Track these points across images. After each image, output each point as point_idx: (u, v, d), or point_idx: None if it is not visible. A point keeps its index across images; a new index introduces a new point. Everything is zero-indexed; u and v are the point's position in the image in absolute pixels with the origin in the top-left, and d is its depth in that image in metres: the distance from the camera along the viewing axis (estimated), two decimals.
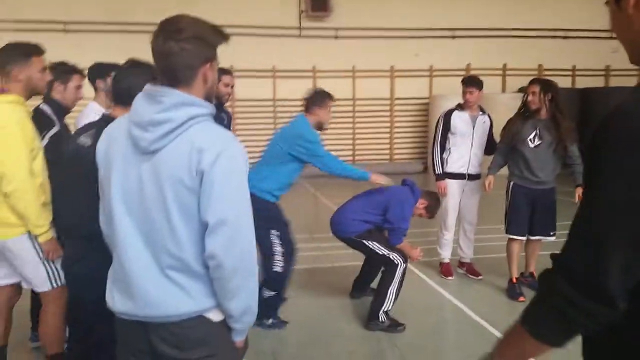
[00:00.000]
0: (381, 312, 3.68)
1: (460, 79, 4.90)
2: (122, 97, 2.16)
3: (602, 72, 13.99)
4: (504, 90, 13.34)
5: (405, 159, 13.25)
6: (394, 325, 3.68)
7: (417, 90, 13.21)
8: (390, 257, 3.72)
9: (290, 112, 12.68)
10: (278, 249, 3.63)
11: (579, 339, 1.08)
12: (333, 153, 13.59)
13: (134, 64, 2.24)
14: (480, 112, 4.77)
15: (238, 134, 12.08)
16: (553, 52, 13.51)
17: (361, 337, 3.64)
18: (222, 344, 1.58)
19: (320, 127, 3.86)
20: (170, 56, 1.46)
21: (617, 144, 0.92)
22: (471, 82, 4.66)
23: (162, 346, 1.53)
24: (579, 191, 4.24)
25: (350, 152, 13.23)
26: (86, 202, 1.92)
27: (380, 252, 3.75)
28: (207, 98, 1.56)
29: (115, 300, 1.59)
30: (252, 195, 3.50)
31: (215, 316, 1.55)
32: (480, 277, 4.77)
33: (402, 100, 13.26)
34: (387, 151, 13.40)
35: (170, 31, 1.46)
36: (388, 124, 13.36)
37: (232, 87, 4.06)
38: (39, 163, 2.64)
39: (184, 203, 1.45)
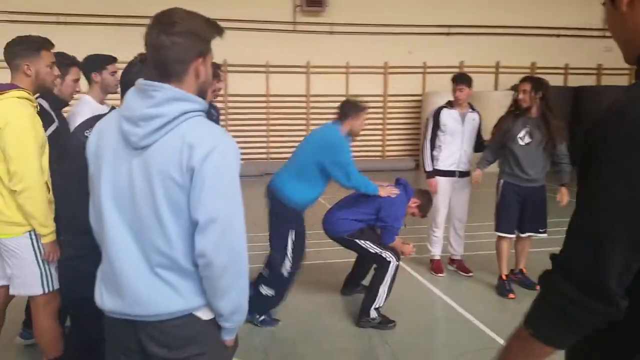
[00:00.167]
0: (372, 309, 3.68)
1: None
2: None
3: (595, 71, 14.06)
4: (496, 87, 13.37)
5: (398, 156, 13.27)
6: (385, 322, 3.69)
7: (411, 87, 13.21)
8: (383, 255, 3.72)
9: (283, 108, 12.73)
10: (289, 252, 3.64)
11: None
12: None
13: (144, 59, 2.21)
14: (470, 110, 4.79)
15: (231, 130, 12.03)
16: (546, 50, 13.56)
17: (352, 334, 3.64)
18: (212, 342, 1.57)
19: (351, 136, 3.89)
20: (162, 50, 1.45)
21: (615, 144, 0.92)
22: (461, 79, 4.68)
23: (151, 345, 1.52)
24: (563, 190, 4.27)
25: None
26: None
27: (372, 251, 3.75)
28: (201, 93, 1.55)
29: (104, 299, 1.57)
30: (281, 201, 3.51)
31: (205, 315, 1.54)
32: (470, 274, 4.79)
33: (395, 97, 13.26)
34: (380, 148, 13.41)
35: (163, 24, 1.45)
36: (381, 121, 13.35)
37: (222, 81, 4.03)
38: (46, 160, 2.58)
39: (174, 200, 1.43)
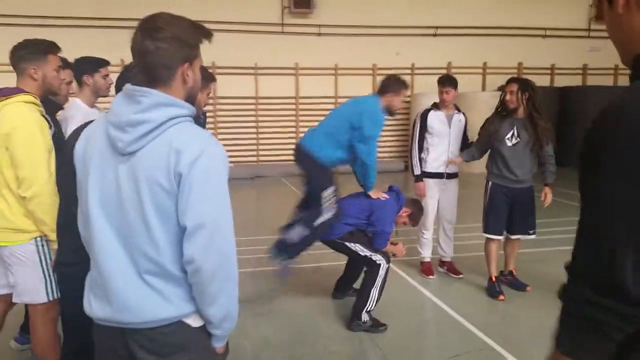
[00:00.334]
0: (364, 312, 3.68)
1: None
2: None
3: (580, 71, 14.21)
4: (484, 88, 13.47)
5: (387, 157, 13.30)
6: (376, 326, 3.69)
7: None
8: (373, 257, 3.72)
9: (272, 110, 12.70)
10: (325, 207, 3.67)
11: None
12: None
13: None
14: (456, 111, 4.82)
15: (220, 132, 12.00)
16: (532, 50, 13.69)
17: (344, 337, 3.64)
18: (201, 349, 1.56)
19: (389, 112, 3.86)
20: (147, 55, 1.44)
21: (617, 144, 0.91)
22: (448, 81, 4.69)
23: (141, 352, 1.51)
24: (547, 190, 4.30)
25: None
26: None
27: (362, 254, 3.75)
28: (189, 98, 1.53)
29: (93, 306, 1.55)
30: (311, 155, 3.58)
31: (194, 322, 1.53)
32: (460, 276, 4.81)
33: None
34: None
35: (148, 29, 1.44)
36: None
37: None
38: (52, 165, 2.54)
39: (161, 205, 1.42)
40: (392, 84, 3.90)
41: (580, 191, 1.01)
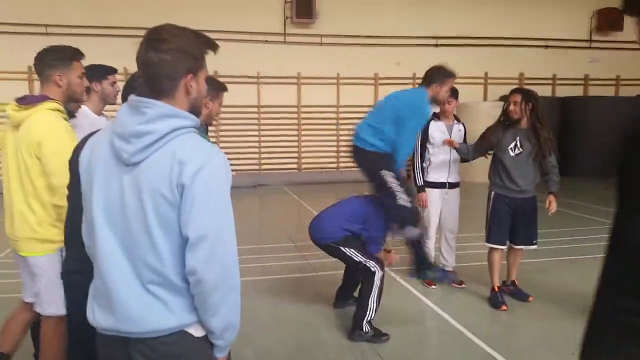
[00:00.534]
0: (364, 322, 3.67)
1: None
2: None
3: (581, 82, 14.25)
4: (485, 98, 13.50)
5: None
6: (378, 336, 3.67)
7: None
8: (367, 264, 3.70)
9: (274, 119, 12.74)
10: (395, 187, 3.63)
11: None
12: (317, 160, 13.69)
13: None
14: (455, 121, 4.84)
15: (222, 141, 12.03)
16: (534, 61, 13.73)
17: (345, 346, 3.62)
18: (204, 359, 1.56)
19: (435, 103, 3.81)
20: (151, 66, 1.46)
21: None
22: (452, 92, 4.70)
23: None
24: (551, 198, 4.30)
25: (335, 159, 13.25)
26: None
27: (356, 259, 3.73)
28: (193, 109, 1.54)
29: (97, 316, 1.55)
30: (364, 150, 3.62)
31: (196, 332, 1.53)
32: (463, 286, 4.79)
33: None
34: None
35: (152, 41, 1.45)
36: None
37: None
38: None
39: (164, 216, 1.43)
40: (436, 74, 3.81)
41: (618, 199, 0.99)
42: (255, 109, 12.64)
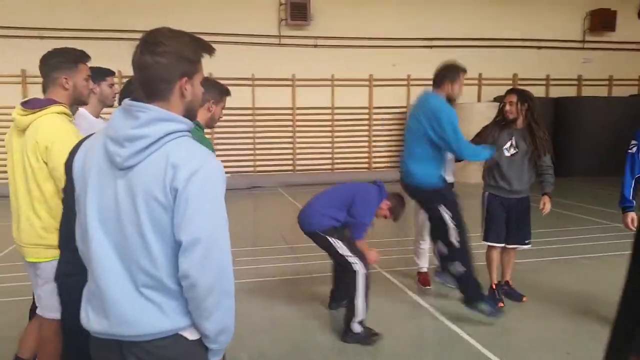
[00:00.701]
0: (354, 323, 3.67)
1: None
2: None
3: (575, 82, 14.33)
4: (479, 99, 13.55)
5: (384, 167, 13.34)
6: (369, 335, 3.67)
7: (395, 100, 13.34)
8: (350, 260, 3.70)
9: (269, 121, 12.74)
10: (449, 223, 3.71)
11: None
12: (311, 162, 13.70)
13: None
14: None
15: (217, 143, 12.01)
16: (527, 62, 13.80)
17: (340, 348, 3.63)
18: None
19: (450, 100, 3.83)
20: (145, 69, 1.46)
21: None
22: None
23: None
24: (545, 199, 4.32)
25: (330, 161, 13.26)
26: None
27: (341, 252, 3.73)
28: (188, 113, 1.54)
29: (90, 319, 1.55)
30: (415, 187, 3.63)
31: (191, 335, 1.53)
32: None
33: (380, 109, 13.36)
34: (366, 160, 13.47)
35: (148, 44, 1.45)
36: (366, 133, 13.44)
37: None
38: None
39: (157, 220, 1.43)
40: (446, 73, 3.85)
41: None
42: (250, 111, 12.64)
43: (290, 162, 13.04)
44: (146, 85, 1.48)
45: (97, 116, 3.25)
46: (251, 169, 12.83)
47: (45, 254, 2.50)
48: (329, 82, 12.98)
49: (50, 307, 2.55)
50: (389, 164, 13.53)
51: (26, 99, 2.59)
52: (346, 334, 3.69)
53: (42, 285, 2.55)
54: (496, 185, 4.32)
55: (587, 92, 14.11)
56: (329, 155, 13.24)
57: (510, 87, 4.82)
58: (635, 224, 3.59)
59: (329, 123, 13.14)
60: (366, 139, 13.45)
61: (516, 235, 4.36)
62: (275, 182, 12.21)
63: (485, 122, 4.64)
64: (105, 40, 10.95)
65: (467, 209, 6.42)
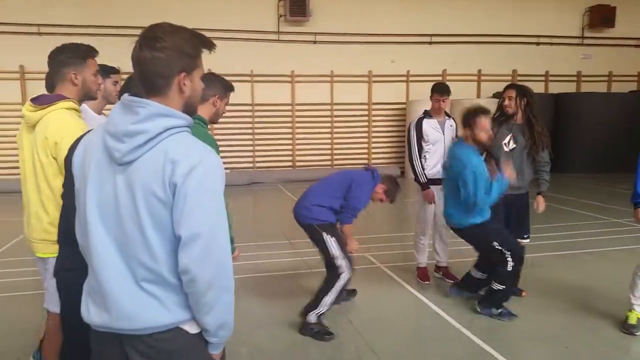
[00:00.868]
0: (313, 314, 3.72)
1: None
2: None
3: (574, 78, 14.32)
4: (479, 95, 13.55)
5: (383, 163, 13.35)
6: (322, 333, 3.69)
7: (394, 95, 13.34)
8: (337, 263, 3.74)
9: (268, 117, 12.73)
10: (506, 252, 3.89)
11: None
12: (311, 158, 13.72)
13: None
14: (447, 117, 4.87)
15: (216, 139, 11.99)
16: (527, 58, 13.80)
17: (339, 343, 3.64)
18: (198, 356, 1.57)
19: (480, 144, 3.96)
20: (144, 64, 1.46)
21: None
22: (446, 91, 4.76)
23: (138, 358, 1.51)
24: (540, 199, 4.33)
25: (329, 157, 13.27)
26: None
27: (331, 252, 3.75)
28: (187, 108, 1.54)
29: (91, 313, 1.56)
30: (465, 226, 3.89)
31: (191, 328, 1.53)
32: (456, 281, 4.81)
33: (380, 105, 13.36)
34: (365, 156, 13.48)
35: (147, 39, 1.45)
36: (366, 129, 13.44)
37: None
38: None
39: (157, 215, 1.43)
40: (465, 120, 4.00)
41: None
42: (249, 107, 12.63)
43: (290, 158, 13.04)
44: (145, 81, 1.48)
45: (100, 113, 3.27)
46: (250, 164, 12.84)
47: (53, 250, 2.51)
48: (328, 78, 12.98)
49: (55, 302, 2.57)
50: (388, 160, 13.54)
51: (36, 95, 2.59)
52: (303, 326, 3.74)
53: (50, 279, 2.57)
54: None
55: (586, 88, 14.11)
56: (329, 151, 13.24)
57: (513, 82, 4.82)
58: None
59: (329, 119, 13.14)
60: (365, 134, 13.45)
61: (515, 230, 4.36)
62: (274, 178, 12.22)
63: None
64: (104, 37, 10.93)
65: None
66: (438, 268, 5.02)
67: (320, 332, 3.68)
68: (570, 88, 14.14)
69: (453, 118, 4.98)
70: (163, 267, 1.46)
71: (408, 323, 4.05)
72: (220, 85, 2.73)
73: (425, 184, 4.77)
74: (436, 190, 4.81)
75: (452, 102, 9.88)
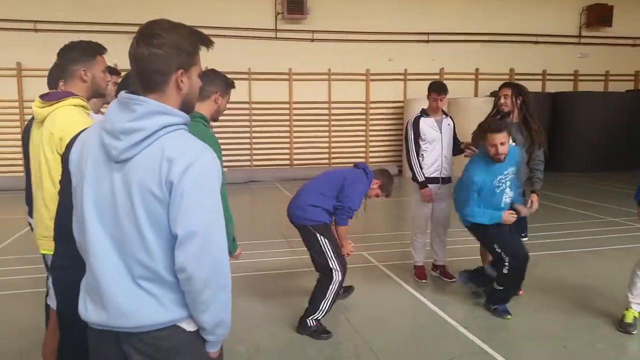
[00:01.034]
0: (310, 319, 3.71)
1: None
2: None
3: (571, 77, 14.34)
4: (476, 94, 13.56)
5: (381, 161, 13.35)
6: (320, 332, 3.68)
7: (392, 94, 13.33)
8: (331, 265, 3.71)
9: (266, 115, 12.71)
10: (502, 254, 3.94)
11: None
12: (308, 156, 13.73)
13: None
14: (444, 116, 4.86)
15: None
16: (524, 57, 13.81)
17: (337, 341, 3.64)
18: (196, 354, 1.56)
19: (494, 158, 3.97)
20: (141, 61, 1.45)
21: None
22: (443, 89, 4.74)
23: (135, 356, 1.51)
24: (534, 197, 4.34)
25: (327, 155, 13.26)
26: None
27: (326, 254, 3.72)
28: (185, 105, 1.53)
29: (89, 311, 1.55)
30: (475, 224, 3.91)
31: (189, 326, 1.53)
32: (453, 280, 4.82)
33: (377, 104, 13.36)
34: (363, 154, 13.47)
35: (144, 36, 1.45)
36: (363, 127, 13.43)
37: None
38: None
39: (153, 213, 1.42)
40: (475, 138, 4.15)
41: None
42: (247, 105, 12.61)
43: (287, 156, 13.03)
44: (142, 77, 1.47)
45: (97, 112, 3.27)
46: (248, 163, 12.82)
47: (52, 246, 2.51)
48: (325, 77, 12.96)
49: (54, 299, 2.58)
50: (385, 158, 13.55)
51: (46, 92, 2.60)
52: (300, 326, 3.73)
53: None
54: None
55: (583, 87, 14.14)
56: (326, 150, 13.24)
57: (508, 81, 4.83)
58: None
59: (326, 117, 13.13)
60: (363, 133, 13.45)
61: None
62: (272, 177, 12.21)
63: (482, 117, 4.65)
64: (102, 34, 10.89)
65: None
66: (435, 267, 5.02)
67: (318, 331, 3.68)
68: (568, 87, 14.16)
69: (450, 117, 4.98)
70: (160, 265, 1.45)
71: (406, 321, 4.05)
72: (221, 82, 2.73)
73: (423, 183, 4.77)
74: (433, 189, 4.81)
75: (449, 100, 9.89)
